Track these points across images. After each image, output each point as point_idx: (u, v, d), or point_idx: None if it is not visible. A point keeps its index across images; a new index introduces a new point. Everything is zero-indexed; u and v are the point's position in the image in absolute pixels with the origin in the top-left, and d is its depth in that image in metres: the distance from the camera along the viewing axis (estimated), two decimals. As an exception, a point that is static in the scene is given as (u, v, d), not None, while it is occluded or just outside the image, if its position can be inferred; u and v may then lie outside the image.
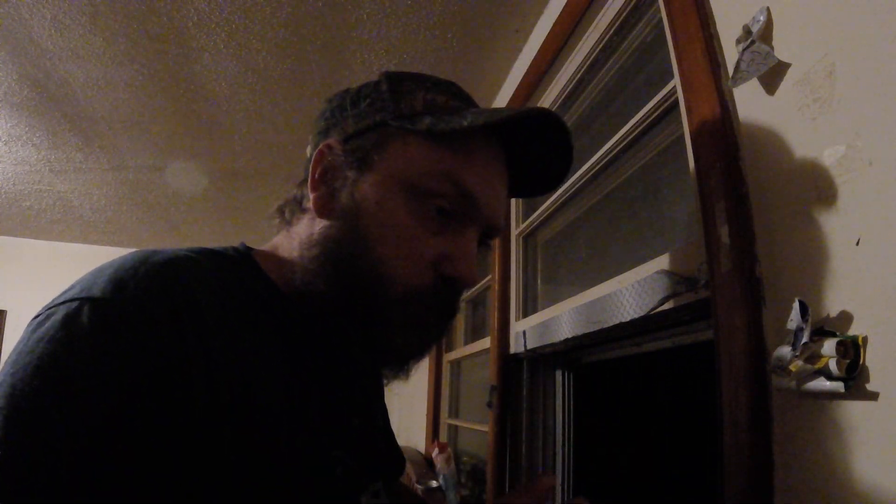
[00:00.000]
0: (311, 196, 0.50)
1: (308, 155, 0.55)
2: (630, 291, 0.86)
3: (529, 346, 1.29)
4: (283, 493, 0.41)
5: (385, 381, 0.57)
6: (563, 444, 1.31)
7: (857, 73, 0.49)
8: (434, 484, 1.79)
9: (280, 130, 2.02)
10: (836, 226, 0.49)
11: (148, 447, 0.34)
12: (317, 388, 0.49)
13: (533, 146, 0.53)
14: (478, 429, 1.75)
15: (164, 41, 1.51)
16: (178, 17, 1.41)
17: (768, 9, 0.59)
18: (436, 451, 1.88)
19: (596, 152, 1.09)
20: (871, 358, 0.44)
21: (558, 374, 1.35)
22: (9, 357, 0.37)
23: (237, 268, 0.49)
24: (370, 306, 0.47)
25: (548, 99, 1.38)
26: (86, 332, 0.36)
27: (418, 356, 0.51)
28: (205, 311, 0.40)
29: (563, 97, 1.32)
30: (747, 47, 0.60)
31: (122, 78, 1.69)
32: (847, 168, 0.49)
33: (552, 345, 1.16)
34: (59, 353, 0.35)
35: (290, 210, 0.55)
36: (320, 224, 0.50)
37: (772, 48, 0.58)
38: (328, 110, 0.55)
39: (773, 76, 0.58)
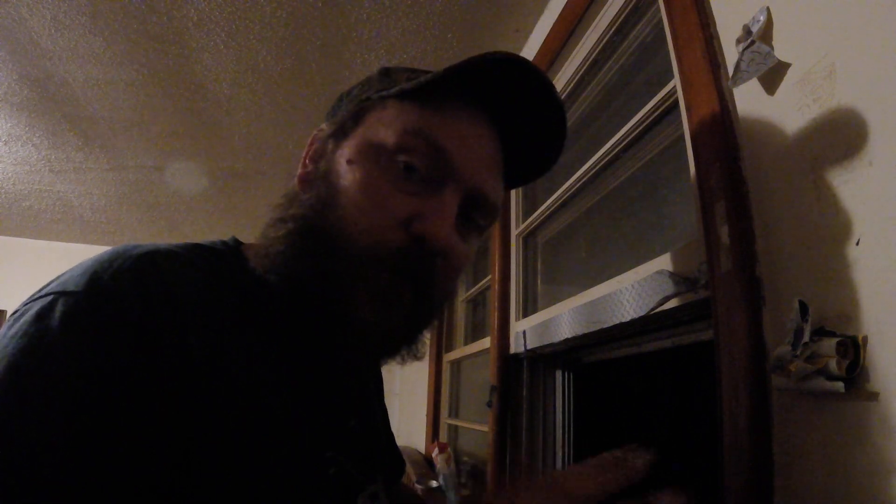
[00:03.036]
0: (298, 173, 0.50)
1: None
2: (630, 291, 0.86)
3: (529, 346, 1.28)
4: (270, 494, 0.40)
5: (381, 364, 0.54)
6: (563, 444, 1.31)
7: (857, 73, 0.49)
8: (434, 484, 1.79)
9: (280, 130, 2.02)
10: (836, 226, 0.49)
11: (121, 443, 0.34)
12: (308, 387, 0.47)
13: (524, 121, 0.51)
14: (478, 429, 1.75)
15: (164, 41, 1.51)
16: (178, 17, 1.41)
17: (768, 9, 0.59)
18: (436, 451, 1.88)
19: (596, 152, 1.09)
20: (871, 358, 0.44)
21: (558, 374, 1.35)
22: None
23: (222, 261, 0.47)
24: (332, 267, 0.44)
25: (548, 99, 1.37)
26: (57, 326, 0.35)
27: (395, 334, 0.47)
28: (183, 305, 0.39)
29: (563, 97, 1.32)
30: (747, 47, 0.60)
31: (122, 78, 1.69)
32: (847, 168, 0.49)
33: (552, 345, 1.16)
34: (30, 348, 0.34)
35: (284, 201, 0.54)
36: (299, 197, 0.49)
37: (772, 48, 0.58)
38: (331, 107, 0.56)
39: (773, 76, 0.58)
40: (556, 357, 1.32)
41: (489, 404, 1.42)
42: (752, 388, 0.55)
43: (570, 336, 1.06)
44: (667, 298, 0.76)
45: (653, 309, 0.79)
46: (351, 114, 0.50)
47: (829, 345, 0.46)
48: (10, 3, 1.37)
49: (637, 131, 0.97)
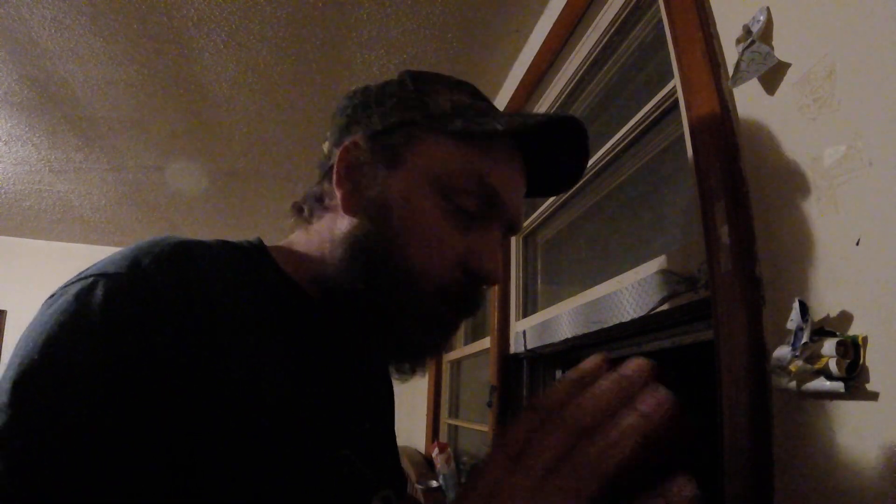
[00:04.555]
0: (338, 193, 0.50)
1: (326, 151, 0.55)
2: (630, 291, 0.86)
3: (529, 346, 1.28)
4: (284, 489, 0.40)
5: (400, 376, 0.56)
6: (563, 444, 1.30)
7: (857, 73, 0.49)
8: (434, 484, 1.79)
9: (280, 130, 2.02)
10: (836, 226, 0.49)
11: (149, 427, 0.34)
12: (327, 386, 0.49)
13: (550, 148, 0.55)
14: (478, 429, 1.75)
15: (164, 41, 1.51)
16: (178, 17, 1.41)
17: (768, 9, 0.59)
18: (436, 451, 1.88)
19: (596, 152, 1.09)
20: (871, 358, 0.44)
21: (558, 374, 1.35)
22: (24, 331, 0.37)
23: (251, 259, 0.49)
24: (401, 302, 0.47)
25: (548, 99, 1.37)
26: (98, 305, 0.36)
27: (435, 353, 0.52)
28: (215, 296, 0.41)
29: (563, 97, 1.32)
30: (747, 47, 0.60)
31: (122, 78, 1.69)
32: (847, 168, 0.49)
33: (552, 345, 1.16)
34: (70, 325, 0.35)
35: (308, 207, 0.55)
36: (347, 221, 0.50)
37: (772, 48, 0.58)
38: (349, 107, 0.54)
39: (773, 76, 0.58)
40: (556, 357, 1.32)
41: (489, 404, 1.42)
42: (752, 388, 0.55)
43: (570, 336, 1.06)
44: (667, 298, 0.76)
45: (653, 309, 0.79)
46: (401, 141, 0.50)
47: (829, 345, 0.46)
48: (10, 3, 1.37)
49: (637, 131, 0.97)
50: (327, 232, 0.51)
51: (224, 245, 0.48)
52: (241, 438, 0.38)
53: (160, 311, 0.37)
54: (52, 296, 0.40)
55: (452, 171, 0.49)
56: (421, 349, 0.51)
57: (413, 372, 0.54)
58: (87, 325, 0.35)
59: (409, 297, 0.47)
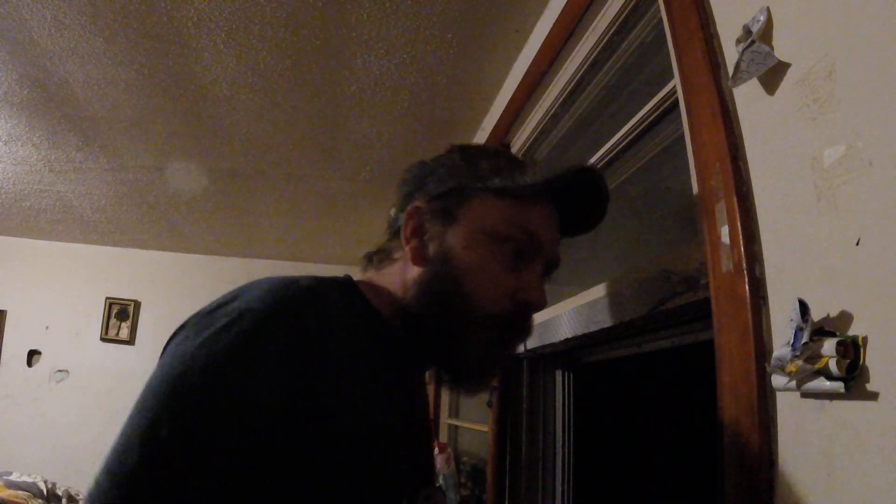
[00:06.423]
0: (407, 248, 0.61)
1: (393, 215, 0.67)
2: (630, 291, 0.86)
3: (529, 346, 1.28)
4: (368, 489, 0.49)
5: (466, 392, 0.65)
6: (563, 444, 1.31)
7: (857, 73, 0.49)
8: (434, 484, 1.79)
9: (280, 130, 2.02)
10: (836, 226, 0.49)
11: (287, 447, 0.42)
12: (400, 404, 0.59)
13: (575, 193, 0.65)
14: (478, 429, 1.75)
15: (164, 41, 1.51)
16: (178, 17, 1.41)
17: (768, 9, 0.59)
18: (436, 451, 1.88)
19: (596, 153, 1.09)
20: (871, 358, 0.44)
21: (558, 374, 1.35)
22: (167, 359, 0.44)
23: (350, 295, 0.59)
24: (458, 327, 0.58)
25: (548, 99, 1.38)
26: (249, 338, 0.44)
27: (492, 370, 0.62)
28: (337, 331, 0.50)
29: (563, 97, 1.32)
30: (747, 47, 0.60)
31: (122, 78, 1.69)
32: (847, 168, 0.49)
33: (552, 345, 1.16)
34: (228, 354, 0.43)
35: (378, 259, 0.66)
36: (416, 270, 0.60)
37: (772, 48, 0.58)
38: (409, 179, 0.66)
39: (773, 76, 0.58)
40: (556, 357, 1.32)
41: (489, 404, 1.42)
42: (752, 388, 0.55)
43: (570, 336, 1.06)
44: (667, 298, 0.76)
45: (653, 309, 0.79)
46: (455, 202, 0.61)
47: (829, 345, 0.46)
48: (10, 3, 1.37)
49: (637, 131, 0.97)
50: (398, 277, 0.62)
51: (333, 285, 0.57)
52: (339, 458, 0.46)
53: (302, 344, 0.46)
54: (185, 326, 0.47)
55: (497, 221, 0.59)
56: (478, 367, 0.60)
57: (477, 388, 0.63)
58: (239, 358, 0.43)
59: (468, 322, 0.57)
